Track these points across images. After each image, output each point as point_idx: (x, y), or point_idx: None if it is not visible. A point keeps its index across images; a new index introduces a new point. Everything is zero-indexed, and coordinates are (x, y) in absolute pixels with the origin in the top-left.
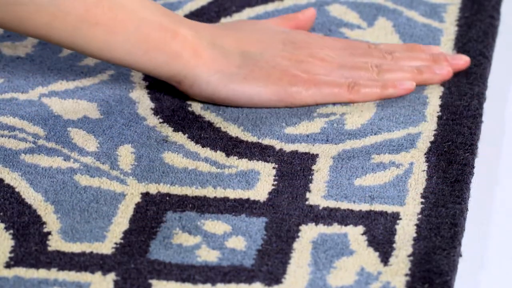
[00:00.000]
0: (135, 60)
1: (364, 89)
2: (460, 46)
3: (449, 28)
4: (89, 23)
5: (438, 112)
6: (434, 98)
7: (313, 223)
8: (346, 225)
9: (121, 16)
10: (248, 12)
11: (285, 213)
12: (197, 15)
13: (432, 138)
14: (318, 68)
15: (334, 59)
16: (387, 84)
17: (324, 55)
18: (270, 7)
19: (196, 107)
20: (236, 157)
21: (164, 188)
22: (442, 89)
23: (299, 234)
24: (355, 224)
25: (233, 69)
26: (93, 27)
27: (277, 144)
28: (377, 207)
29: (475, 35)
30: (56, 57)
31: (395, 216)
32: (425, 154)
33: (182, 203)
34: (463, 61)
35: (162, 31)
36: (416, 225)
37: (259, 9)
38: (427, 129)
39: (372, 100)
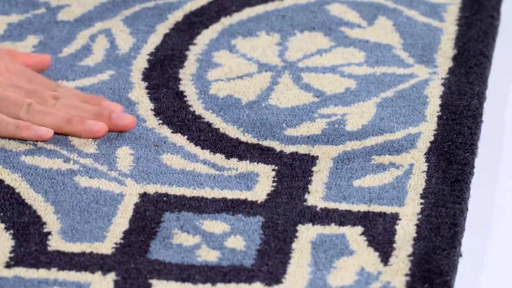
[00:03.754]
0: None
1: None
2: (460, 45)
3: (449, 28)
4: None
5: (438, 112)
6: (434, 97)
7: (310, 223)
8: (344, 225)
9: None
10: (248, 12)
11: (281, 213)
12: (197, 15)
13: (432, 138)
14: None
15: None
16: (25, 126)
17: None
18: (270, 6)
19: (196, 107)
20: (236, 159)
21: (162, 189)
22: (442, 88)
23: (297, 234)
24: (354, 225)
25: None
26: None
27: (277, 146)
28: (377, 207)
29: (475, 35)
30: (56, 57)
31: (395, 216)
32: (425, 154)
33: (180, 204)
34: (128, 121)
35: None
36: (416, 225)
37: (259, 9)
38: (427, 129)
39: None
